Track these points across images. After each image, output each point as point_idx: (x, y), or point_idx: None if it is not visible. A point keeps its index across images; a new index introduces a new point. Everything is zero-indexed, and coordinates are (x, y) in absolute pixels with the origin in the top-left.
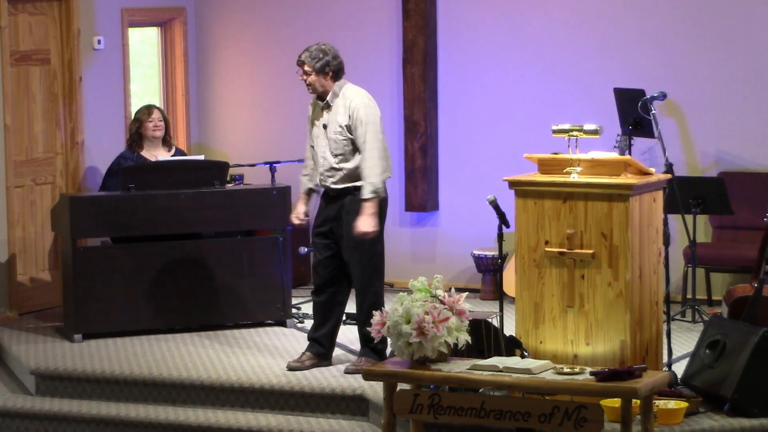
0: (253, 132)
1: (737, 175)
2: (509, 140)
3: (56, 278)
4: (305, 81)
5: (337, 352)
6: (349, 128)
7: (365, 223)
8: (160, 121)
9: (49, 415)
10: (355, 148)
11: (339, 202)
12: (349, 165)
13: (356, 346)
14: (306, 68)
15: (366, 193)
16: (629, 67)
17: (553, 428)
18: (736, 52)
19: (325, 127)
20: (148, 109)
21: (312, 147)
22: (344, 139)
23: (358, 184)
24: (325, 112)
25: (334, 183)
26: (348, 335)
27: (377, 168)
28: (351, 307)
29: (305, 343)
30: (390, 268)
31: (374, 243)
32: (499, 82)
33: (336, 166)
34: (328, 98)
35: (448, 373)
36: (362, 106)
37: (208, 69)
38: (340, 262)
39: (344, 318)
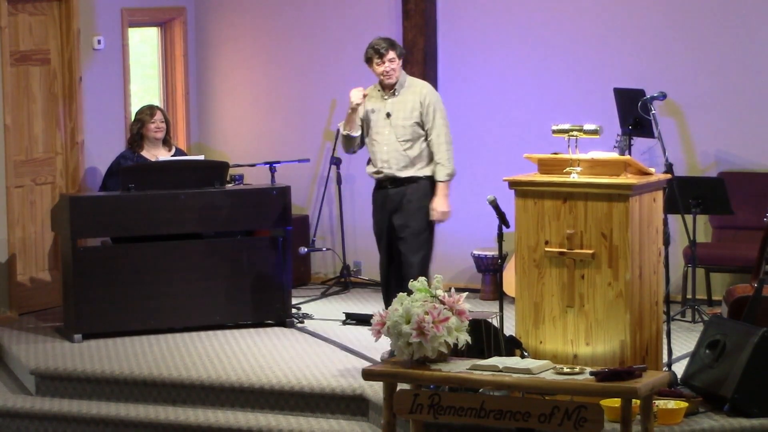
0: (253, 132)
1: (737, 175)
2: (509, 140)
3: (56, 278)
4: (388, 71)
5: (337, 352)
6: (420, 115)
7: (443, 204)
8: (162, 122)
9: (49, 415)
10: (420, 136)
11: (400, 191)
12: (414, 152)
13: (356, 345)
14: (391, 56)
15: (442, 176)
16: (629, 67)
17: (553, 428)
18: (735, 52)
19: (388, 115)
20: (150, 110)
21: (355, 135)
22: (412, 126)
23: (419, 173)
24: (387, 101)
25: (398, 170)
26: (348, 335)
27: (450, 152)
28: (352, 307)
29: (305, 344)
30: None
31: (431, 234)
32: (499, 82)
33: (403, 153)
34: (396, 86)
35: (448, 373)
36: (433, 94)
37: (208, 69)
38: (398, 257)
39: (344, 318)
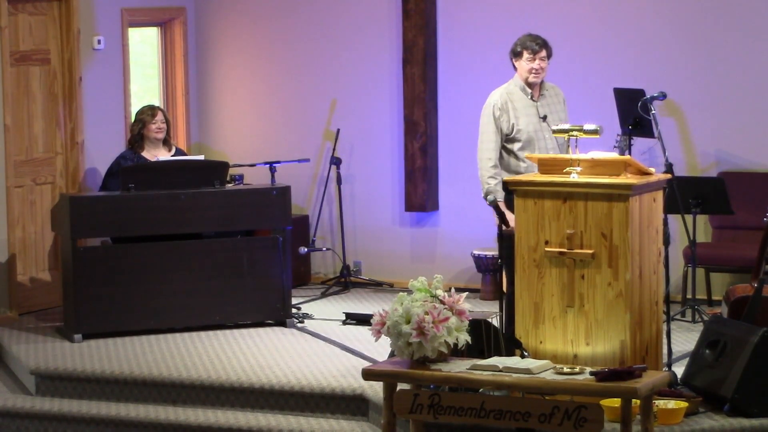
0: (253, 132)
1: (737, 175)
2: None
3: (56, 278)
4: (537, 69)
5: (337, 352)
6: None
7: None
8: (163, 122)
9: (49, 415)
10: None
11: None
12: None
13: (356, 345)
14: (543, 54)
15: None
16: (629, 67)
17: (553, 428)
18: (735, 52)
19: (544, 118)
20: (151, 110)
21: (500, 146)
22: None
23: None
24: (538, 103)
25: None
26: (348, 335)
27: None
28: (352, 307)
29: (305, 344)
30: (390, 268)
31: None
32: (500, 82)
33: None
34: (543, 87)
35: (448, 373)
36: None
37: (208, 69)
38: None
39: (344, 318)
